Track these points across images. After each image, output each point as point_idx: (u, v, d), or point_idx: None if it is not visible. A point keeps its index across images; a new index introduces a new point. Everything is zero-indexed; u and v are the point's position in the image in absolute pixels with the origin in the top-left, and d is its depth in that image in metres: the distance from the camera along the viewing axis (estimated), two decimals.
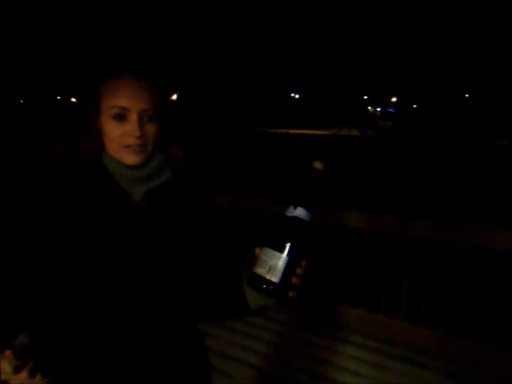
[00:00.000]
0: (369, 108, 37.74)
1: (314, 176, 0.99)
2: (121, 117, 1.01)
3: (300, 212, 0.98)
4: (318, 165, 1.00)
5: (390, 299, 3.18)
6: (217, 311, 1.17)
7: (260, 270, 0.97)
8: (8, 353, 0.81)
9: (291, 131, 28.05)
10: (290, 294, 0.99)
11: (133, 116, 1.00)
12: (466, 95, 26.97)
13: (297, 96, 37.63)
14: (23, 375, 0.83)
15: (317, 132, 28.27)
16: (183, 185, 1.15)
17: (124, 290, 1.02)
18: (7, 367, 0.81)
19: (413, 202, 5.03)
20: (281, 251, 0.96)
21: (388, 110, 36.91)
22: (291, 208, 0.99)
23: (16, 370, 0.82)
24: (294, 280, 0.98)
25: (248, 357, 2.97)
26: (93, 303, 1.00)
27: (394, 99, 34.82)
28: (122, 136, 1.01)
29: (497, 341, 2.80)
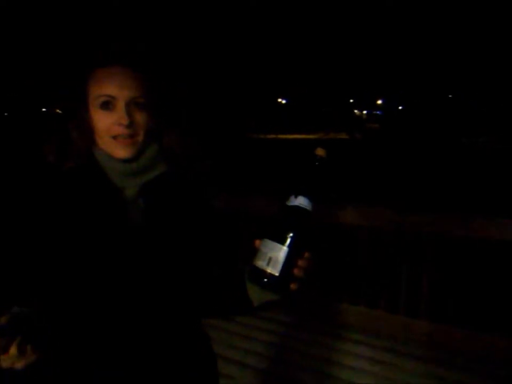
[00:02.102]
0: (356, 111, 38.03)
1: (317, 163, 0.94)
2: (108, 105, 0.98)
3: (301, 201, 0.92)
4: (320, 151, 0.94)
5: (390, 294, 3.17)
6: (219, 308, 1.12)
7: (260, 263, 0.91)
8: None
9: (280, 136, 28.16)
10: (292, 286, 0.93)
11: (121, 104, 0.97)
12: (450, 96, 27.35)
13: (283, 101, 37.81)
14: (12, 352, 0.79)
15: (305, 136, 28.42)
16: (179, 178, 1.11)
17: (117, 287, 0.98)
18: None
19: (405, 198, 5.07)
20: (282, 242, 0.90)
21: (374, 112, 37.24)
22: (292, 197, 0.93)
23: (4, 349, 0.78)
24: (296, 272, 0.92)
25: (249, 358, 2.93)
26: (85, 300, 0.97)
27: (380, 101, 35.16)
28: (110, 126, 0.98)
29: (499, 330, 2.80)
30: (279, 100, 36.79)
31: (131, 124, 0.98)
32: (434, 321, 2.98)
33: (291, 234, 0.91)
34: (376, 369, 2.77)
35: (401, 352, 2.94)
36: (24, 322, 0.82)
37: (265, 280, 0.91)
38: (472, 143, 19.93)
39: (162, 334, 1.03)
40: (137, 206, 1.03)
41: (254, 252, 0.94)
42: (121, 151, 0.99)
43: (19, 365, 0.81)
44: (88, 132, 1.01)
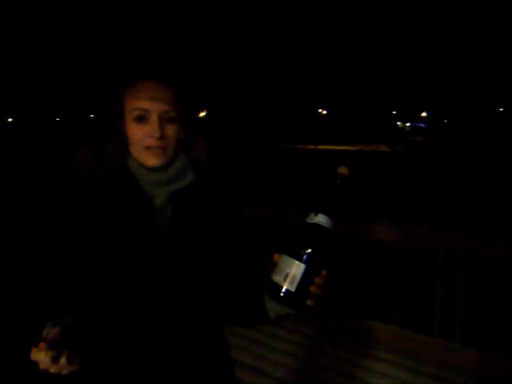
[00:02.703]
0: (399, 123, 37.28)
1: (339, 181, 0.95)
2: (142, 118, 1.04)
3: (320, 219, 0.93)
4: (343, 170, 0.95)
5: (422, 314, 3.08)
6: (236, 317, 1.16)
7: (277, 278, 0.93)
8: (42, 345, 0.83)
9: (319, 147, 27.99)
10: (308, 303, 0.95)
11: (154, 117, 1.03)
12: (501, 109, 26.32)
13: (324, 112, 37.61)
14: (62, 362, 0.85)
15: (345, 147, 28.10)
16: (207, 188, 1.15)
17: (142, 292, 1.02)
18: (44, 358, 0.83)
19: (444, 215, 4.91)
20: (300, 259, 0.92)
21: (418, 125, 36.37)
22: (312, 214, 0.95)
23: (54, 360, 0.84)
24: (312, 289, 0.94)
25: (271, 368, 2.92)
26: (110, 306, 1.01)
27: (424, 114, 34.32)
28: (143, 138, 1.04)
29: None
30: (320, 110, 36.66)
31: (162, 136, 1.03)
32: (470, 345, 2.87)
33: (309, 252, 0.92)
34: None
35: (432, 376, 2.84)
36: (72, 333, 0.87)
37: (282, 295, 0.93)
38: None
39: (182, 338, 1.06)
40: (166, 214, 1.08)
41: (272, 266, 0.96)
42: (152, 160, 1.05)
43: (65, 371, 0.87)
44: (122, 142, 1.08)
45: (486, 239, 2.80)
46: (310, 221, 0.94)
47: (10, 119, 33.99)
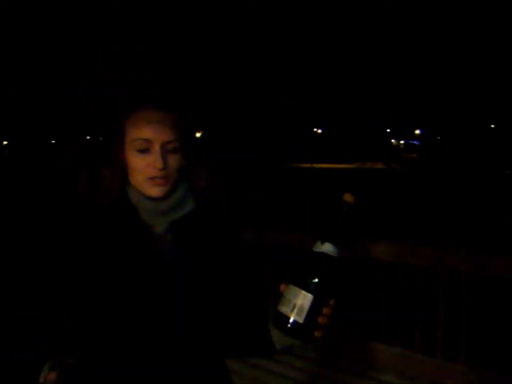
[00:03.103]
0: (393, 140, 37.58)
1: (344, 209, 0.93)
2: (144, 148, 1.01)
3: (327, 248, 0.92)
4: (348, 197, 0.94)
5: (426, 335, 3.02)
6: (241, 348, 1.14)
7: (284, 309, 0.91)
8: None
9: (315, 165, 28.10)
10: (316, 334, 0.93)
11: (156, 148, 1.01)
12: (492, 126, 26.63)
13: (319, 131, 37.89)
14: None
15: (341, 166, 28.24)
16: (207, 216, 1.13)
17: (144, 321, 1.00)
18: None
19: (444, 233, 4.90)
20: (307, 289, 0.90)
21: (412, 142, 36.69)
22: (318, 243, 0.93)
23: None
24: (320, 320, 0.92)
25: None
26: (111, 331, 0.99)
27: (417, 131, 34.65)
28: (145, 168, 1.01)
29: None
30: (315, 129, 36.93)
31: (165, 167, 1.01)
32: (474, 366, 2.81)
33: (317, 282, 0.91)
34: None
35: None
36: (69, 376, 0.86)
37: (290, 326, 0.91)
38: None
39: (184, 367, 1.03)
40: (166, 243, 1.06)
41: (278, 296, 0.94)
42: (154, 191, 1.02)
43: None
44: (121, 170, 1.05)
45: (488, 257, 2.77)
46: (316, 250, 0.93)
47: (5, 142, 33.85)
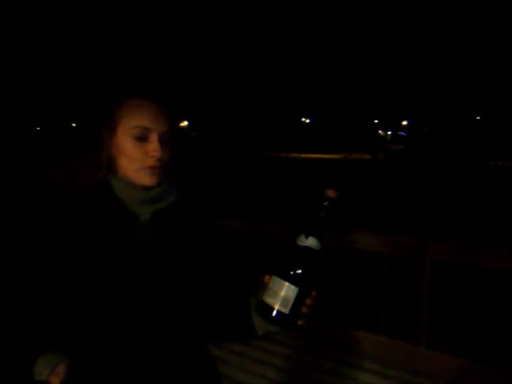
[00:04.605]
0: (380, 131, 37.79)
1: (326, 204, 0.97)
2: (143, 137, 1.01)
3: (311, 242, 0.96)
4: (330, 193, 0.97)
5: (409, 324, 3.06)
6: (223, 334, 1.18)
7: (270, 300, 0.95)
8: None
9: (302, 155, 28.16)
10: (300, 323, 0.98)
11: (154, 137, 1.01)
12: (478, 118, 26.91)
13: (307, 120, 37.91)
14: None
15: (328, 156, 28.34)
16: (188, 206, 1.15)
17: (126, 309, 1.00)
18: None
19: (428, 224, 4.95)
20: (292, 282, 0.94)
21: (399, 133, 36.91)
22: (302, 237, 0.97)
23: None
24: (303, 310, 0.97)
25: (255, 381, 2.87)
26: (94, 322, 0.98)
27: (405, 122, 34.86)
28: (143, 157, 1.02)
29: None
30: (303, 119, 36.94)
31: (162, 156, 1.02)
32: (456, 355, 2.86)
33: (302, 275, 0.95)
34: None
35: None
36: (69, 376, 0.85)
37: (274, 316, 0.95)
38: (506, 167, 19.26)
39: (169, 356, 1.03)
40: (149, 232, 1.06)
41: (263, 287, 0.98)
42: (149, 179, 1.03)
43: None
44: (106, 159, 1.03)
45: (473, 248, 2.81)
46: (301, 244, 0.96)
47: None
